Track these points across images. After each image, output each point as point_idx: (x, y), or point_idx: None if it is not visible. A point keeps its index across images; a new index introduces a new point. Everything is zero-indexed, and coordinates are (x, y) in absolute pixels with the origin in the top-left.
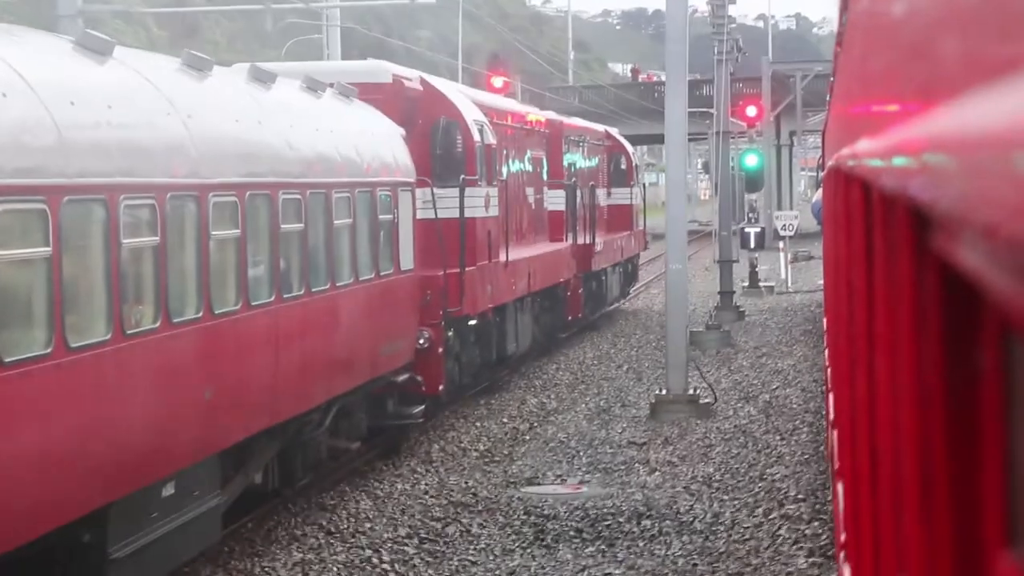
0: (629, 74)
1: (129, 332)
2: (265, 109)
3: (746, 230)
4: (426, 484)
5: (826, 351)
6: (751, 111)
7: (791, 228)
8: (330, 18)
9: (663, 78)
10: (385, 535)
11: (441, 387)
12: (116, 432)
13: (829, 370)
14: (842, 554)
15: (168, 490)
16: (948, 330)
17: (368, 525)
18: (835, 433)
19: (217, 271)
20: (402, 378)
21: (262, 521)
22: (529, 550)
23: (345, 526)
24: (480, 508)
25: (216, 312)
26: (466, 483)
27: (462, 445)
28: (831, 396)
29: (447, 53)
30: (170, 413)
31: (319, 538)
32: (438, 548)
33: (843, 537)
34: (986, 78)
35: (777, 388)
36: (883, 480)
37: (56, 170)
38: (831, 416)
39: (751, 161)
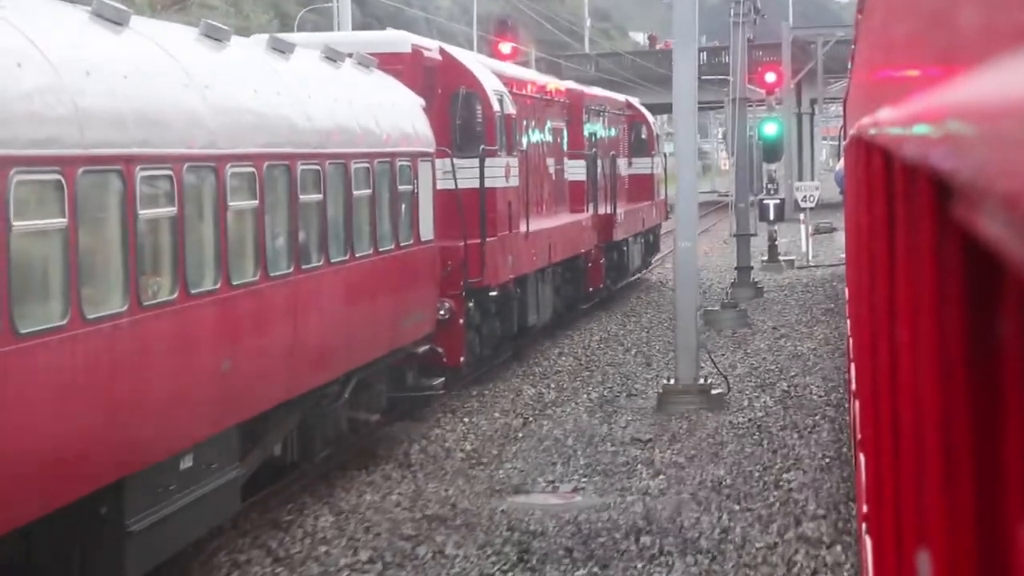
0: (647, 42)
1: (146, 304)
2: (283, 79)
3: (765, 202)
4: (399, 494)
5: (848, 322)
6: (770, 77)
7: (812, 199)
8: None
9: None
10: (342, 560)
11: (462, 359)
12: (133, 404)
13: (851, 341)
14: (864, 526)
15: (186, 462)
16: (970, 300)
17: (324, 548)
18: (857, 404)
19: (235, 242)
20: (422, 349)
21: (202, 544)
22: (510, 574)
23: (297, 549)
24: (458, 523)
25: (234, 283)
26: (446, 491)
27: (446, 445)
28: (853, 367)
29: (466, 22)
30: (187, 385)
31: (264, 565)
32: (403, 575)
33: (865, 509)
34: (1008, 46)
35: (796, 375)
36: (905, 451)
37: (71, 141)
38: (853, 387)
39: (770, 130)
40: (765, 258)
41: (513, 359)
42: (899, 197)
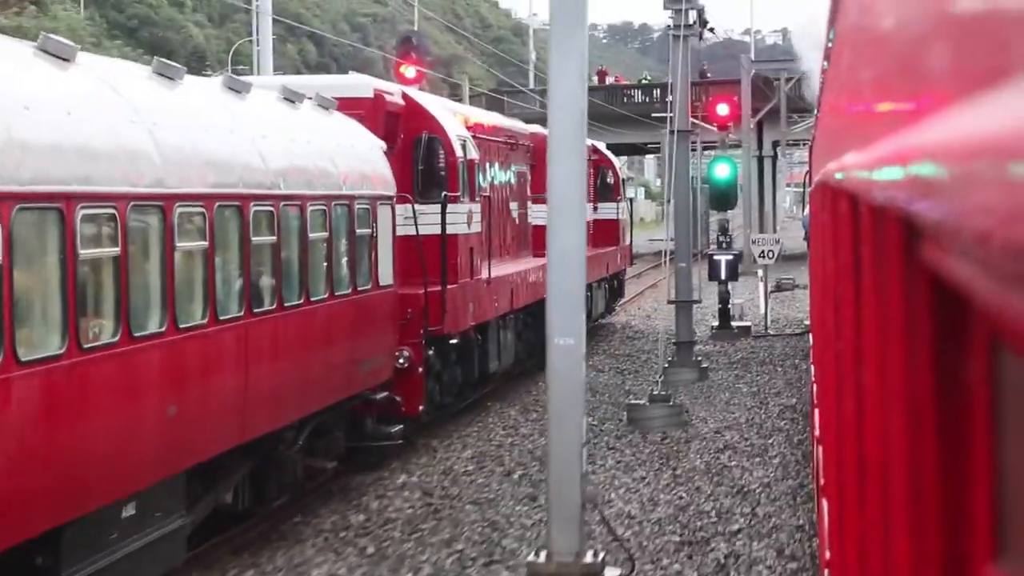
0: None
1: (86, 346)
2: (237, 119)
3: (715, 257)
4: None
5: (812, 369)
6: (722, 109)
7: (771, 255)
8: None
9: (632, 81)
10: None
11: (421, 407)
12: (69, 450)
13: (815, 387)
14: (826, 572)
15: (128, 511)
16: (937, 341)
17: None
18: (820, 449)
19: (182, 284)
20: (381, 396)
21: None
22: None
23: None
24: None
25: (181, 326)
26: None
27: None
28: (816, 412)
29: (426, 63)
30: (130, 430)
31: None
32: None
33: (828, 555)
34: (973, 89)
35: (740, 532)
36: (870, 495)
37: (7, 176)
38: (816, 432)
39: (722, 172)
40: (715, 324)
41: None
42: (865, 241)
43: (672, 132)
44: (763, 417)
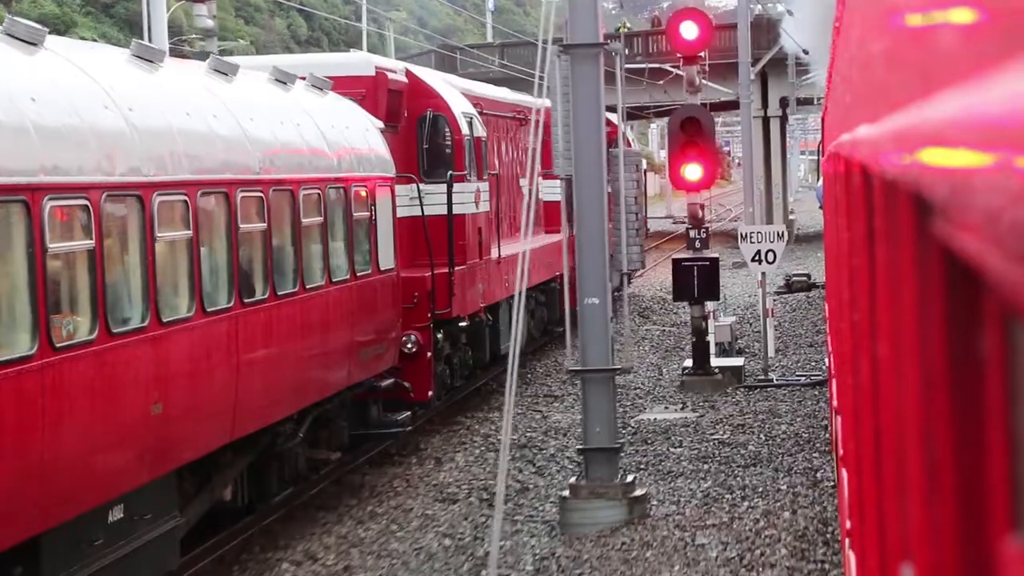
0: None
1: (59, 345)
2: (222, 102)
3: (683, 264)
4: None
5: (829, 341)
6: (689, 30)
7: (772, 257)
8: None
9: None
10: None
11: (431, 393)
12: (46, 454)
13: (832, 358)
14: (847, 541)
15: (115, 514)
16: (950, 315)
17: None
18: (839, 420)
19: (165, 276)
20: (386, 383)
21: None
22: None
23: None
24: None
25: (165, 320)
26: None
27: None
28: (834, 382)
29: (424, 36)
30: (112, 430)
31: None
32: None
33: (848, 525)
34: (986, 63)
35: None
36: (888, 466)
37: None
38: (835, 403)
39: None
40: (688, 365)
41: None
42: (879, 213)
43: (562, 50)
44: None
